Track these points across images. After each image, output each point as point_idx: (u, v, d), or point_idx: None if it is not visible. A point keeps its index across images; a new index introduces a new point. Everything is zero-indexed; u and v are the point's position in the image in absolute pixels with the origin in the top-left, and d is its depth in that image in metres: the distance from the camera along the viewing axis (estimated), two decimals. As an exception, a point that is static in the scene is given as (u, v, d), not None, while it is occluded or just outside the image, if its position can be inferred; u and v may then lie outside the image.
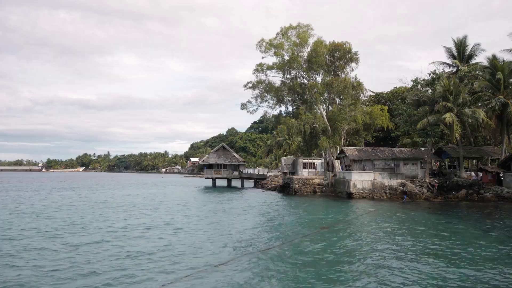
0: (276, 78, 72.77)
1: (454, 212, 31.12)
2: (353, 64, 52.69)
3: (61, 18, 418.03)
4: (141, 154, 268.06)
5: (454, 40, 52.59)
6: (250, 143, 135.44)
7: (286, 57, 53.30)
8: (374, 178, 41.66)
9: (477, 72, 46.14)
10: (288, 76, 54.62)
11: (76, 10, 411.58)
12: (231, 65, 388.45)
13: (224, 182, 72.78)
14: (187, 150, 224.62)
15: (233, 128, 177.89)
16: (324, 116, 52.90)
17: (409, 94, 49.05)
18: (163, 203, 39.03)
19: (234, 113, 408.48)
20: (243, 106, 57.02)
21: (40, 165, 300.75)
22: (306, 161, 52.91)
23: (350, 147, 49.46)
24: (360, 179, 41.33)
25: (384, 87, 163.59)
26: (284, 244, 18.47)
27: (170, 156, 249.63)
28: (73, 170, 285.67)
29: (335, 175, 47.33)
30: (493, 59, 43.59)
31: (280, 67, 53.80)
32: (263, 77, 55.19)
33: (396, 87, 65.98)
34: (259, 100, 55.62)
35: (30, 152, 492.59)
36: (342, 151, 48.78)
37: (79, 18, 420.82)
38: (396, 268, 14.41)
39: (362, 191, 40.85)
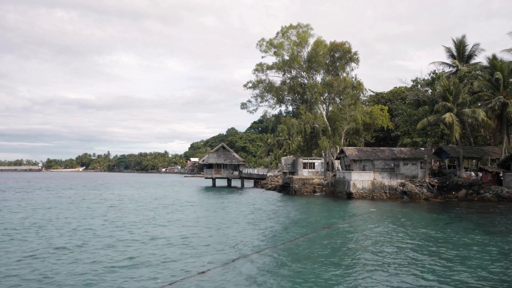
0: (276, 77, 72.88)
1: (454, 212, 31.12)
2: (353, 64, 52.72)
3: (59, 17, 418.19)
4: (141, 154, 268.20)
5: (453, 40, 52.59)
6: (250, 143, 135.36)
7: (286, 57, 53.33)
8: (374, 178, 41.67)
9: (476, 72, 46.15)
10: (288, 75, 54.69)
11: (73, 9, 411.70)
12: (231, 64, 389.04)
13: (224, 182, 72.81)
14: (187, 150, 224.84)
15: (233, 128, 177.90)
16: (324, 116, 52.93)
17: (409, 94, 49.08)
18: (163, 204, 39.06)
19: (234, 113, 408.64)
20: (243, 106, 57.10)
21: (40, 165, 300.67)
22: (306, 161, 52.95)
23: (350, 147, 49.48)
24: (360, 179, 41.34)
25: (384, 87, 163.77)
26: (285, 244, 18.48)
27: (170, 156, 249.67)
28: (73, 170, 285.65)
29: (335, 175, 47.34)
30: (493, 59, 43.63)
31: (280, 67, 53.81)
32: (263, 77, 55.31)
33: (396, 87, 66.03)
34: (259, 99, 55.74)
35: (30, 152, 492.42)
36: (342, 151, 48.80)
37: (76, 17, 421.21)
38: (397, 268, 14.43)
39: (362, 191, 40.87)
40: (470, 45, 51.98)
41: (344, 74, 52.80)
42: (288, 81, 54.69)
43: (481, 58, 51.94)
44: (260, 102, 55.87)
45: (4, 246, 18.04)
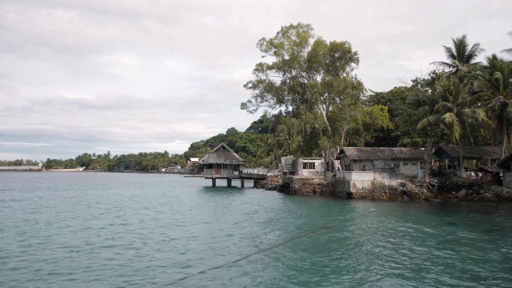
0: (276, 77, 72.96)
1: (454, 212, 31.12)
2: (353, 64, 52.68)
3: (59, 17, 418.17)
4: (141, 154, 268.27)
5: (454, 40, 52.59)
6: (250, 143, 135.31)
7: (286, 57, 53.33)
8: (374, 178, 41.67)
9: (476, 72, 46.15)
10: (288, 75, 54.68)
11: (73, 9, 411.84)
12: (230, 64, 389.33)
13: (224, 182, 72.79)
14: (187, 150, 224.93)
15: (233, 128, 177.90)
16: (324, 116, 52.93)
17: (409, 94, 49.08)
18: (163, 204, 39.08)
19: (234, 113, 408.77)
20: (243, 106, 57.08)
21: (40, 165, 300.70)
22: (306, 161, 52.95)
23: (350, 147, 49.48)
24: (360, 179, 41.34)
25: (384, 87, 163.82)
26: (284, 244, 18.48)
27: (170, 156, 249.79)
28: (73, 170, 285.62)
29: (335, 175, 47.34)
30: (493, 59, 43.64)
31: (280, 67, 53.81)
32: (263, 77, 55.30)
33: (396, 87, 66.02)
34: (259, 99, 55.71)
35: (30, 152, 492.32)
36: (342, 151, 48.80)
37: (76, 17, 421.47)
38: (396, 269, 14.44)
39: (362, 191, 40.87)
40: (470, 45, 52.03)
41: (344, 74, 52.79)
42: (288, 81, 54.69)
43: (481, 58, 52.09)
44: (260, 102, 55.92)
45: (5, 246, 18.03)
